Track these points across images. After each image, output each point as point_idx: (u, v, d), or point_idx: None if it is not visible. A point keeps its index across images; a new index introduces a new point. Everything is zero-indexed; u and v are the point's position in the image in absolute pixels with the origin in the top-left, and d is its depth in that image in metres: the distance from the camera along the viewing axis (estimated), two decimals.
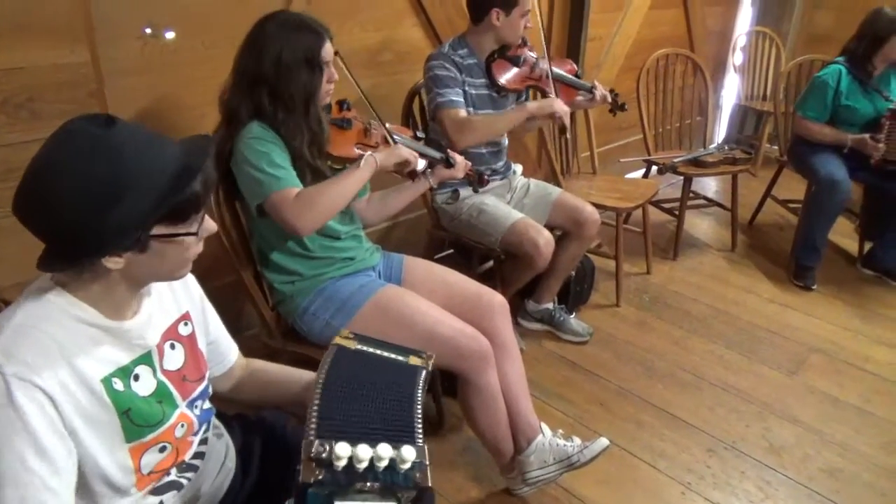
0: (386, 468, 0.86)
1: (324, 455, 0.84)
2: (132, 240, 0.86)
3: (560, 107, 2.23)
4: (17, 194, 0.86)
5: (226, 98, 1.62)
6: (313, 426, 0.89)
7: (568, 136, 2.39)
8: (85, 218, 0.83)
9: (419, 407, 0.97)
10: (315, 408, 0.91)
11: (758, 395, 2.32)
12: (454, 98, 2.16)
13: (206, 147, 0.94)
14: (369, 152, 1.67)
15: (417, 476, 0.87)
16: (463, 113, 2.17)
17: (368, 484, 0.84)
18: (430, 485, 0.87)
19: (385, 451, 0.86)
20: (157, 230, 0.88)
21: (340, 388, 0.96)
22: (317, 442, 0.85)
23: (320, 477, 0.83)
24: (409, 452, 0.87)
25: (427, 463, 0.88)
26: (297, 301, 1.71)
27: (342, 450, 0.84)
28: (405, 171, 1.81)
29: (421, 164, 1.88)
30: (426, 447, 0.90)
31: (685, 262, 3.28)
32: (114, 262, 0.87)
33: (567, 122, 2.26)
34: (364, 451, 0.85)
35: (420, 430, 0.93)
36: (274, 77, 1.56)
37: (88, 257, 0.86)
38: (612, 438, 1.85)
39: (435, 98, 2.17)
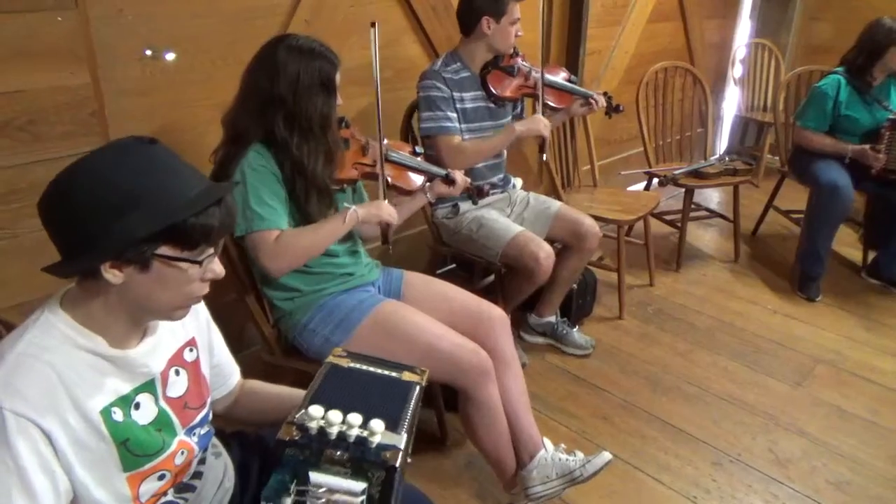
0: (356, 441, 0.90)
1: (304, 421, 0.90)
2: (136, 251, 0.87)
3: (544, 126, 2.27)
4: (47, 189, 0.88)
5: (230, 118, 1.63)
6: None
7: (545, 157, 2.43)
8: (100, 216, 0.86)
9: (409, 412, 0.98)
10: (307, 400, 0.96)
11: (763, 408, 2.31)
12: (446, 124, 2.19)
13: (230, 187, 0.97)
14: (353, 207, 1.68)
15: (388, 455, 0.90)
16: (457, 139, 2.20)
17: (339, 453, 0.89)
18: (398, 465, 0.89)
19: (355, 419, 0.91)
20: (162, 250, 0.89)
21: (331, 397, 0.98)
22: (302, 411, 0.92)
23: (296, 437, 0.90)
24: (377, 425, 0.90)
25: (401, 448, 0.91)
26: (296, 317, 1.72)
27: (315, 411, 0.91)
28: (383, 227, 1.77)
29: (419, 179, 1.90)
30: (406, 437, 0.93)
31: (688, 273, 3.27)
32: (113, 275, 0.87)
33: (548, 138, 2.31)
34: (335, 416, 0.90)
35: (405, 424, 0.95)
36: (291, 99, 1.58)
37: (92, 257, 0.86)
38: (616, 452, 1.84)
39: (428, 122, 2.20)
